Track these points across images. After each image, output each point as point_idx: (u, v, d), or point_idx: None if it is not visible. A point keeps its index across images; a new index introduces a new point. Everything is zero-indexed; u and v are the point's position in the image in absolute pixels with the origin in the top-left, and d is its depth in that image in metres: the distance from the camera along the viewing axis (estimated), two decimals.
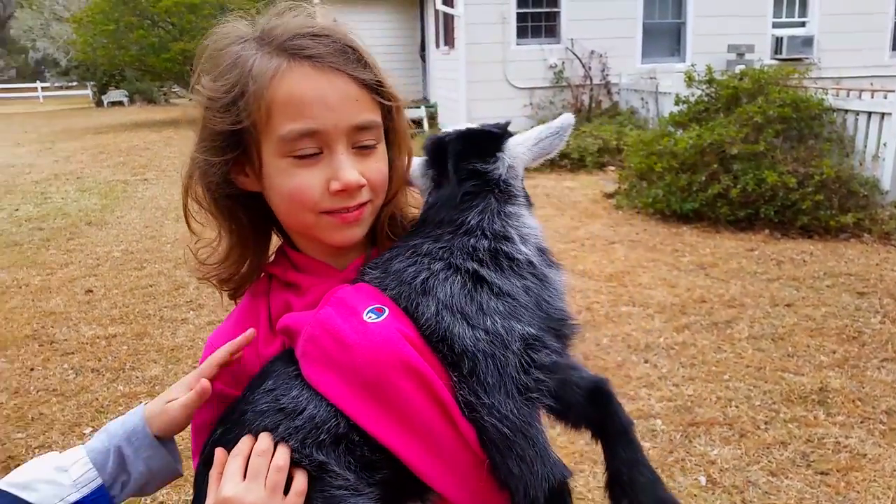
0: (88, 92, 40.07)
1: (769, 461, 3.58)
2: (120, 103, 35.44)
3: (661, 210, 8.39)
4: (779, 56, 14.60)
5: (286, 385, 1.02)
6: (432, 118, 16.52)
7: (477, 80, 13.67)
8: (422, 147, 1.25)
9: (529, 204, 1.23)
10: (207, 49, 1.15)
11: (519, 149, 1.22)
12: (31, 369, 5.15)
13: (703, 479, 3.46)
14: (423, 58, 18.56)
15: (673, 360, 4.75)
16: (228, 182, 1.16)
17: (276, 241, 1.30)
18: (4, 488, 1.01)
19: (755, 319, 5.35)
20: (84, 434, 4.21)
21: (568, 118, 1.22)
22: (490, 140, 1.21)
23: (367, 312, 1.02)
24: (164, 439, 1.11)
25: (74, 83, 41.27)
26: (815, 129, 8.28)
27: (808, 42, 14.75)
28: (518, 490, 0.95)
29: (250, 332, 1.13)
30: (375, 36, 18.42)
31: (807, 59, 14.34)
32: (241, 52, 1.11)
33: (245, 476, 0.97)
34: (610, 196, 9.66)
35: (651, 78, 12.94)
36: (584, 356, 4.83)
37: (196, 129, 1.15)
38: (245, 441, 1.00)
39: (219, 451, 1.02)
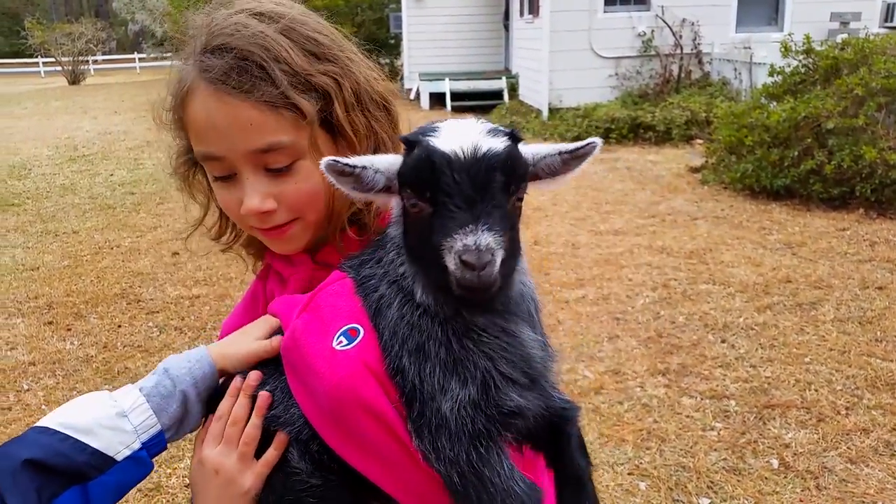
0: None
1: (848, 448, 3.45)
2: None
3: (749, 186, 8.08)
4: (889, 24, 13.67)
5: (275, 375, 1.09)
6: (513, 89, 16.33)
7: (561, 49, 13.39)
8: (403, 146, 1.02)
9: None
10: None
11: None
12: (119, 326, 5.46)
13: (775, 463, 3.37)
14: (506, 27, 18.31)
15: (752, 340, 4.60)
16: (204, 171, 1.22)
17: None
18: (64, 431, 1.01)
19: (842, 302, 5.11)
20: None
21: (596, 143, 1.02)
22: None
23: (339, 336, 0.99)
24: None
25: (169, 54, 42.70)
26: None
27: None
28: None
29: (264, 396, 1.12)
30: (458, 5, 18.30)
31: None
32: (183, 62, 1.14)
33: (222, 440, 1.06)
34: (696, 170, 9.35)
35: (745, 48, 12.35)
36: (657, 334, 4.75)
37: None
38: (225, 404, 1.08)
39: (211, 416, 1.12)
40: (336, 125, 1.11)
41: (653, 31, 13.52)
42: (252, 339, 1.14)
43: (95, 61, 41.36)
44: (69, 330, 5.41)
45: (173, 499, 3.32)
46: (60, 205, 9.35)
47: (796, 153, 7.63)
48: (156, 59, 46.55)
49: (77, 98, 25.45)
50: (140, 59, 47.04)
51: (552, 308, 5.21)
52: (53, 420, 1.03)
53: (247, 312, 1.29)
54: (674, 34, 13.42)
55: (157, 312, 5.65)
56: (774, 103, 8.60)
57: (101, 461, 1.01)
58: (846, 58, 8.20)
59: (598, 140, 0.99)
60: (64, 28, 33.94)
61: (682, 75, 13.51)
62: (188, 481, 3.30)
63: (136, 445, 1.04)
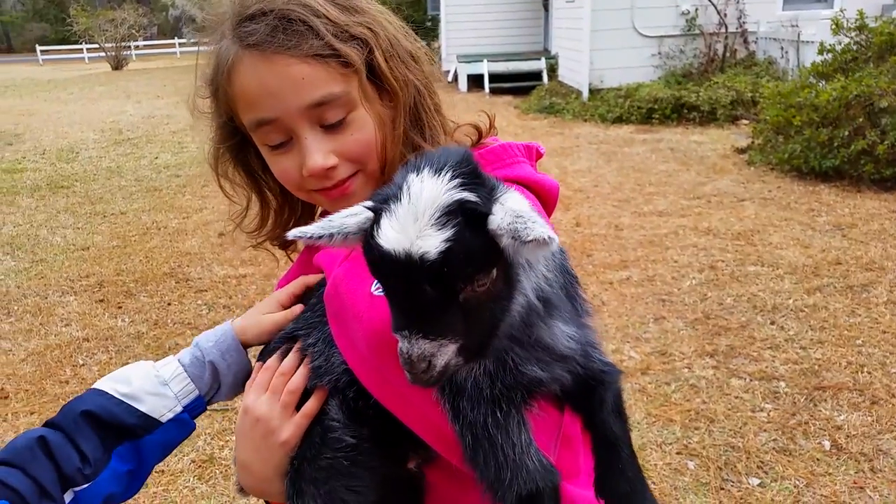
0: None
1: None
2: None
3: (797, 167, 7.89)
4: None
5: (316, 326, 1.12)
6: (552, 70, 16.15)
7: (602, 28, 13.19)
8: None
9: None
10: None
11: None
12: (168, 304, 5.58)
13: (827, 444, 3.32)
14: (545, 7, 18.10)
15: (802, 322, 4.52)
16: (247, 161, 1.26)
17: None
18: (116, 396, 1.15)
19: None
20: None
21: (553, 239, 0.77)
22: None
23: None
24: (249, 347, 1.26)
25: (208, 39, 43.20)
26: None
27: None
28: (484, 487, 0.95)
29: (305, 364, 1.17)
30: None
31: None
32: (216, 44, 1.15)
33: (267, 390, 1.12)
34: (742, 151, 9.17)
35: (793, 26, 12.03)
36: (704, 315, 4.70)
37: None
38: (274, 358, 1.14)
39: (256, 365, 1.18)
40: (379, 73, 1.12)
41: (696, 9, 13.23)
42: (271, 312, 1.23)
43: (137, 47, 42.01)
44: (120, 308, 5.55)
45: (226, 470, 3.40)
46: (108, 187, 9.55)
47: (847, 133, 7.42)
48: (196, 44, 47.12)
49: (120, 83, 25.90)
50: (180, 45, 47.67)
51: (595, 289, 5.18)
52: (107, 384, 1.18)
53: (301, 271, 1.32)
54: (718, 12, 13.13)
55: (206, 291, 5.76)
56: (823, 82, 8.38)
57: (148, 423, 1.16)
58: None
59: (554, 239, 0.76)
60: (107, 14, 34.49)
61: (727, 54, 13.22)
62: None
63: (178, 409, 1.18)
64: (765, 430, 3.45)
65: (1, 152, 12.35)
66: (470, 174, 0.82)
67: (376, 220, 0.82)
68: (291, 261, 1.40)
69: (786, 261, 5.54)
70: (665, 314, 4.76)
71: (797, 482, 3.09)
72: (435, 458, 1.11)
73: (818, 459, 3.23)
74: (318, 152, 1.10)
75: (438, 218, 0.77)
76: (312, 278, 1.24)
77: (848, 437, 3.36)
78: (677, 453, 3.31)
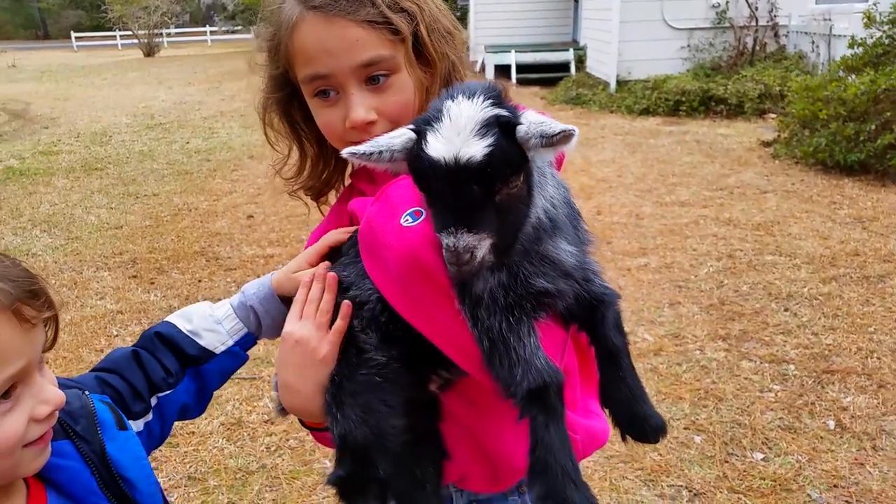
0: (251, 36, 42.23)
1: None
2: None
3: (822, 160, 7.88)
4: None
5: (351, 264, 1.28)
6: (580, 61, 16.14)
7: (631, 20, 13.17)
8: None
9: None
10: None
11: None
12: (199, 281, 5.78)
13: (831, 424, 3.41)
14: None
15: (815, 309, 4.59)
16: (291, 113, 1.41)
17: None
18: (181, 329, 1.37)
19: None
20: None
21: (573, 131, 0.97)
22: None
23: (406, 216, 1.15)
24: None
25: (239, 27, 43.76)
26: None
27: None
28: (499, 385, 1.11)
29: (331, 276, 1.31)
30: None
31: None
32: (279, 3, 1.30)
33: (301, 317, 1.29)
34: (767, 144, 9.16)
35: (825, 19, 11.92)
36: (719, 301, 4.78)
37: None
38: (301, 292, 1.30)
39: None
40: (422, 44, 1.27)
41: (727, 2, 13.16)
42: (300, 269, 1.38)
43: (169, 34, 42.58)
44: (152, 283, 5.76)
45: (254, 432, 3.58)
46: (140, 170, 9.82)
47: (874, 127, 7.40)
48: (227, 32, 47.65)
49: (152, 69, 26.33)
50: (211, 33, 48.19)
51: (613, 275, 5.28)
52: (175, 319, 1.39)
53: (331, 225, 1.46)
54: (749, 5, 13.04)
55: (235, 269, 5.95)
56: (853, 76, 8.33)
57: (205, 354, 1.38)
58: None
59: (574, 128, 0.96)
60: (141, 2, 35.01)
61: (757, 48, 13.13)
62: (266, 418, 3.54)
63: (230, 343, 1.40)
64: (771, 410, 3.54)
65: (38, 135, 12.71)
66: (497, 97, 1.00)
67: (422, 138, 0.98)
68: (322, 214, 1.54)
69: (804, 251, 5.59)
70: (681, 299, 4.84)
71: (800, 457, 3.18)
72: (453, 383, 1.26)
73: (822, 437, 3.31)
74: (362, 107, 1.25)
75: (478, 130, 0.95)
76: (338, 236, 1.38)
77: (853, 417, 3.44)
78: (685, 428, 3.42)
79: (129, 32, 36.97)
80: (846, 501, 2.91)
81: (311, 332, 1.24)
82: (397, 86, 1.28)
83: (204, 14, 52.86)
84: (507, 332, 1.09)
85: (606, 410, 1.24)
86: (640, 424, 1.20)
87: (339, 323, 1.23)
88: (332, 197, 1.56)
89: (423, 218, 1.15)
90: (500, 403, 1.14)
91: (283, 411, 1.33)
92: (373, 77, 1.26)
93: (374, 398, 1.18)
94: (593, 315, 1.20)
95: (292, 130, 1.45)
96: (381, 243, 1.17)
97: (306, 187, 1.51)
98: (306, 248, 1.41)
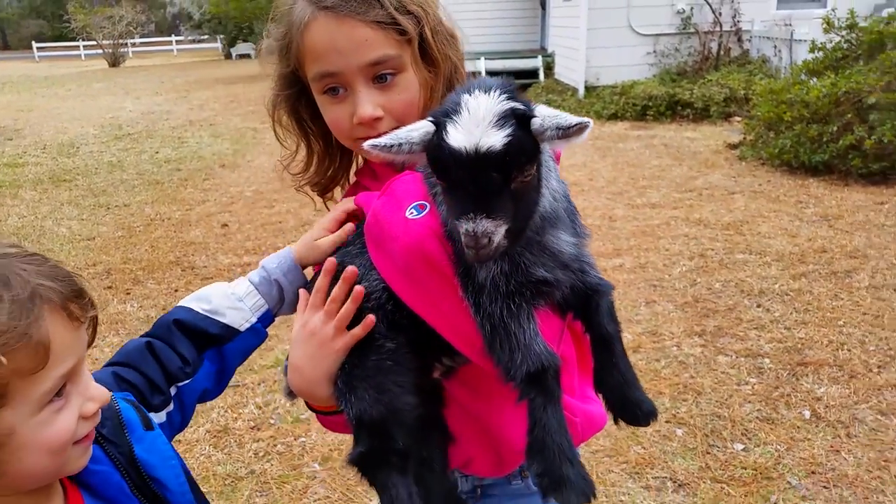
0: (218, 45, 42.04)
1: (879, 401, 3.58)
2: (247, 56, 36.97)
3: (787, 161, 8.09)
4: None
5: (358, 255, 1.32)
6: (549, 68, 16.33)
7: (598, 26, 13.37)
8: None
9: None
10: None
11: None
12: (176, 290, 5.74)
13: (807, 413, 3.52)
14: (542, 5, 18.27)
15: (787, 305, 4.72)
16: (299, 110, 1.46)
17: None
18: (199, 311, 1.37)
19: (878, 270, 5.18)
20: None
21: (587, 123, 1.04)
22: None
23: (411, 209, 1.21)
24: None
25: (206, 36, 43.45)
26: None
27: None
28: (500, 370, 1.17)
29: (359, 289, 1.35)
30: None
31: None
32: (291, 4, 1.35)
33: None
34: (734, 147, 9.37)
35: (786, 25, 12.24)
36: (693, 299, 4.89)
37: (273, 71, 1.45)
38: (322, 280, 1.33)
39: (301, 291, 1.39)
40: (426, 45, 1.33)
41: (692, 8, 13.43)
42: (320, 237, 1.43)
43: (134, 44, 42.09)
44: (128, 294, 5.71)
45: (241, 438, 3.58)
46: (110, 180, 9.70)
47: (836, 129, 7.62)
48: (193, 41, 47.23)
49: (118, 80, 26.02)
50: (177, 42, 47.73)
51: None
52: (190, 303, 1.38)
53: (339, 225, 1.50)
54: (713, 11, 13.33)
55: (212, 278, 5.91)
56: (814, 79, 8.57)
57: (229, 332, 1.38)
58: (891, 32, 8.14)
59: (589, 120, 1.03)
60: (105, 11, 34.59)
61: (721, 53, 13.43)
62: (252, 424, 3.54)
63: (253, 320, 1.41)
64: (749, 402, 3.64)
65: (1, 146, 12.49)
66: (512, 92, 1.06)
67: (442, 129, 1.04)
68: (328, 210, 1.58)
69: (773, 249, 5.74)
70: (656, 298, 4.94)
71: (778, 447, 3.28)
72: (455, 371, 1.31)
73: (798, 427, 3.42)
74: (369, 103, 1.30)
75: (496, 121, 1.01)
76: (351, 204, 1.43)
77: (827, 407, 3.55)
78: (666, 422, 3.50)
79: (93, 42, 36.48)
80: (824, 487, 3.01)
81: (329, 331, 1.28)
82: (403, 84, 1.33)
83: (170, 23, 52.32)
84: (507, 319, 1.15)
85: (600, 395, 1.30)
86: (632, 409, 1.26)
87: (358, 331, 1.27)
88: (338, 194, 1.60)
89: (427, 211, 1.20)
90: (501, 389, 1.19)
91: (291, 394, 1.38)
92: (380, 76, 1.31)
93: (387, 380, 1.23)
94: (588, 304, 1.26)
95: (300, 127, 1.50)
96: (387, 235, 1.22)
97: (312, 183, 1.56)
98: None
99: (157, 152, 11.57)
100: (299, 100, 1.46)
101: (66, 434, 0.96)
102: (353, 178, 1.58)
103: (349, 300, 1.28)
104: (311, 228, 1.46)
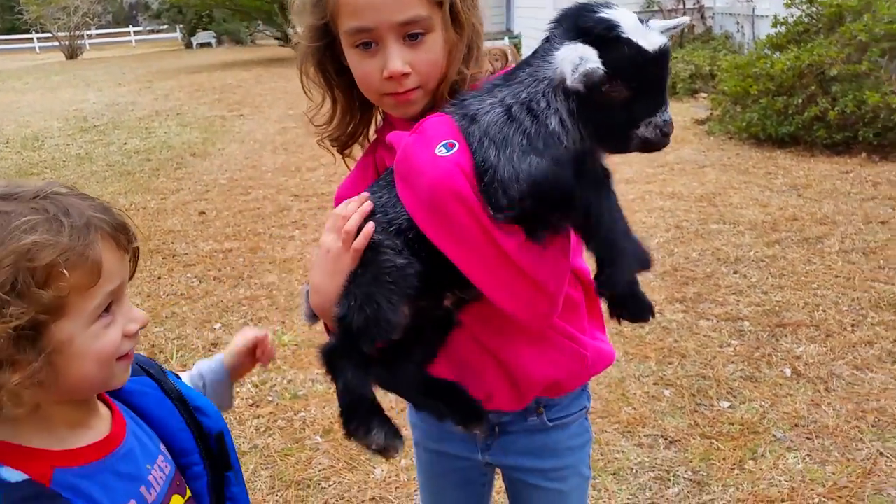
0: (178, 35, 41.32)
1: (854, 357, 3.75)
2: (208, 45, 36.45)
3: (755, 134, 8.29)
4: None
5: (385, 188, 1.40)
6: (516, 49, 16.37)
7: (565, 5, 13.46)
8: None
9: None
10: None
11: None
12: (159, 278, 5.73)
13: (787, 371, 3.67)
14: None
15: (762, 271, 4.88)
16: (325, 63, 1.51)
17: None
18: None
19: (847, 235, 5.38)
20: (214, 329, 4.73)
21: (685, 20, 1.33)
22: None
23: (440, 147, 1.27)
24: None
25: (165, 26, 42.67)
26: None
27: None
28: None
29: (367, 204, 1.41)
30: None
31: None
32: None
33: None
34: (702, 122, 9.56)
35: (748, 1, 12.47)
36: (672, 268, 5.03)
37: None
38: (342, 205, 1.40)
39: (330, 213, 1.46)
40: (455, 9, 1.40)
41: None
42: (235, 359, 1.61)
43: (90, 35, 41.17)
44: None
45: (241, 416, 3.60)
46: (79, 173, 9.56)
47: (800, 101, 7.82)
48: (152, 31, 46.34)
49: (77, 72, 25.47)
50: (135, 33, 46.79)
51: None
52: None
53: (359, 181, 1.56)
54: None
55: (194, 265, 5.91)
56: (778, 53, 8.77)
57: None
58: (850, 5, 8.33)
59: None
60: (60, 2, 33.75)
61: (685, 30, 13.62)
62: (251, 402, 3.56)
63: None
64: (732, 363, 3.79)
65: None
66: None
67: (622, 43, 1.18)
68: (347, 167, 1.64)
69: (746, 218, 5.91)
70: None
71: (762, 403, 3.43)
72: (467, 303, 1.40)
73: (780, 384, 3.57)
74: (399, 59, 1.36)
75: (658, 26, 1.23)
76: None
77: (806, 364, 3.71)
78: (654, 384, 3.63)
79: (48, 35, 35.63)
80: (807, 438, 3.16)
81: (334, 241, 1.36)
82: (430, 44, 1.39)
83: (127, 14, 51.21)
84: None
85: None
86: (632, 304, 1.39)
87: (360, 241, 1.34)
88: (357, 152, 1.66)
89: (455, 149, 1.26)
90: (515, 323, 1.32)
91: (312, 317, 1.45)
92: (411, 34, 1.37)
93: (379, 293, 1.29)
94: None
95: (325, 80, 1.54)
96: (415, 171, 1.28)
97: (332, 137, 1.60)
98: (335, 205, 1.50)
99: (125, 143, 11.41)
100: (326, 53, 1.50)
101: (113, 346, 1.08)
102: (372, 136, 1.64)
103: (356, 212, 1.36)
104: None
